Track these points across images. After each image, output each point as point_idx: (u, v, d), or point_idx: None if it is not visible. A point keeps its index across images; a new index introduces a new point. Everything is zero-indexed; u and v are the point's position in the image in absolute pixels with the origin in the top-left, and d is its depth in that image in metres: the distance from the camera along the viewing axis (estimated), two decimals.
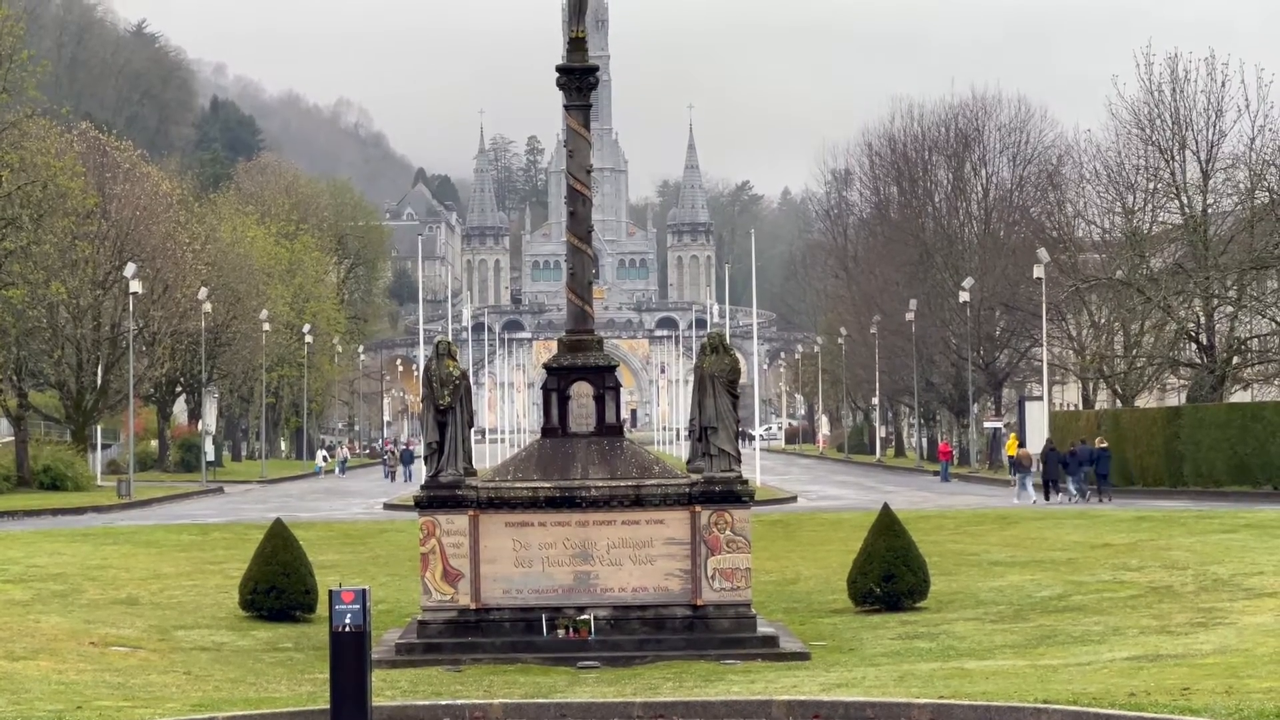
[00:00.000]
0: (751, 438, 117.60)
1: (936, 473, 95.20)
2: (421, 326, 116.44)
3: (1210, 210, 76.22)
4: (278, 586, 32.36)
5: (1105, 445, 66.75)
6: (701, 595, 27.62)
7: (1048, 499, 66.27)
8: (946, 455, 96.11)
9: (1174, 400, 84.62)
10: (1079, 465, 66.37)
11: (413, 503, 29.14)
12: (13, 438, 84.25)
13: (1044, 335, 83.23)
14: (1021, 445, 75.40)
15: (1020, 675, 24.07)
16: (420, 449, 42.78)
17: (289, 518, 39.22)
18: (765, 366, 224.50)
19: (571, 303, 29.95)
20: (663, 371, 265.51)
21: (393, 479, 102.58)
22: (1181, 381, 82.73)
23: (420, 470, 39.52)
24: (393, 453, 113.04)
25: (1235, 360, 76.04)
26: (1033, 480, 68.76)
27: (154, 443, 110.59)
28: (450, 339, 32.78)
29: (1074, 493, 65.87)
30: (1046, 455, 68.83)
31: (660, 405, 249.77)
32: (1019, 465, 69.69)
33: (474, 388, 29.57)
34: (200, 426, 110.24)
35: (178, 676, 26.33)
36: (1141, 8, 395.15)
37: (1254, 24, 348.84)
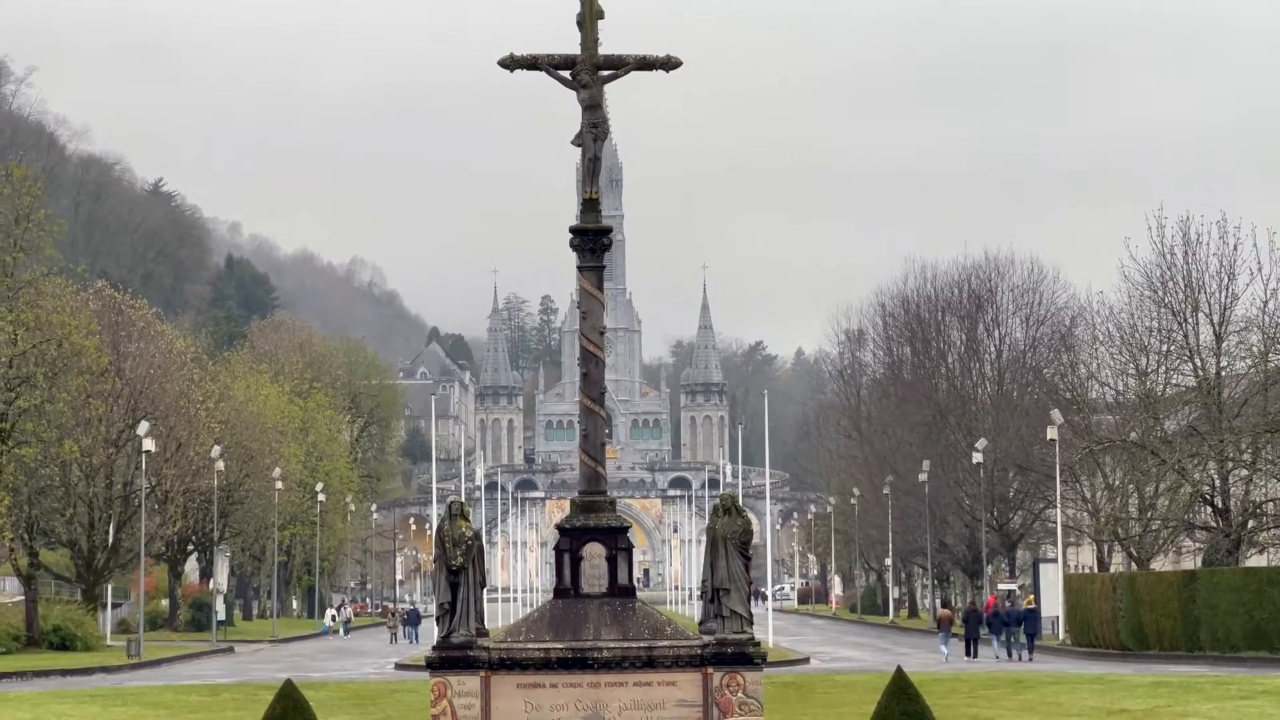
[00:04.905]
0: (764, 597, 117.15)
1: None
2: (435, 485, 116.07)
3: (1224, 373, 76.10)
4: None
5: (1033, 606, 69.02)
6: None
7: (975, 656, 69.81)
8: None
9: (1190, 563, 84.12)
10: (1003, 625, 68.48)
11: (424, 663, 28.95)
12: (23, 597, 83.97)
13: (1058, 497, 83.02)
14: (943, 605, 77.30)
15: None
16: (433, 608, 42.61)
17: (300, 678, 38.95)
18: (778, 526, 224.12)
19: (584, 464, 29.89)
20: (675, 531, 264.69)
21: (393, 640, 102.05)
22: (1197, 545, 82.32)
23: (432, 629, 39.26)
24: (394, 613, 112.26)
25: (1251, 524, 75.68)
26: (949, 639, 71.62)
27: (165, 601, 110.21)
28: (463, 498, 32.74)
29: (999, 652, 67.66)
30: (967, 615, 71.49)
31: (673, 565, 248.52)
32: (940, 624, 72.14)
33: (487, 546, 29.47)
34: (212, 585, 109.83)
35: None
36: (1151, 165, 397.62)
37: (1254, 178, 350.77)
